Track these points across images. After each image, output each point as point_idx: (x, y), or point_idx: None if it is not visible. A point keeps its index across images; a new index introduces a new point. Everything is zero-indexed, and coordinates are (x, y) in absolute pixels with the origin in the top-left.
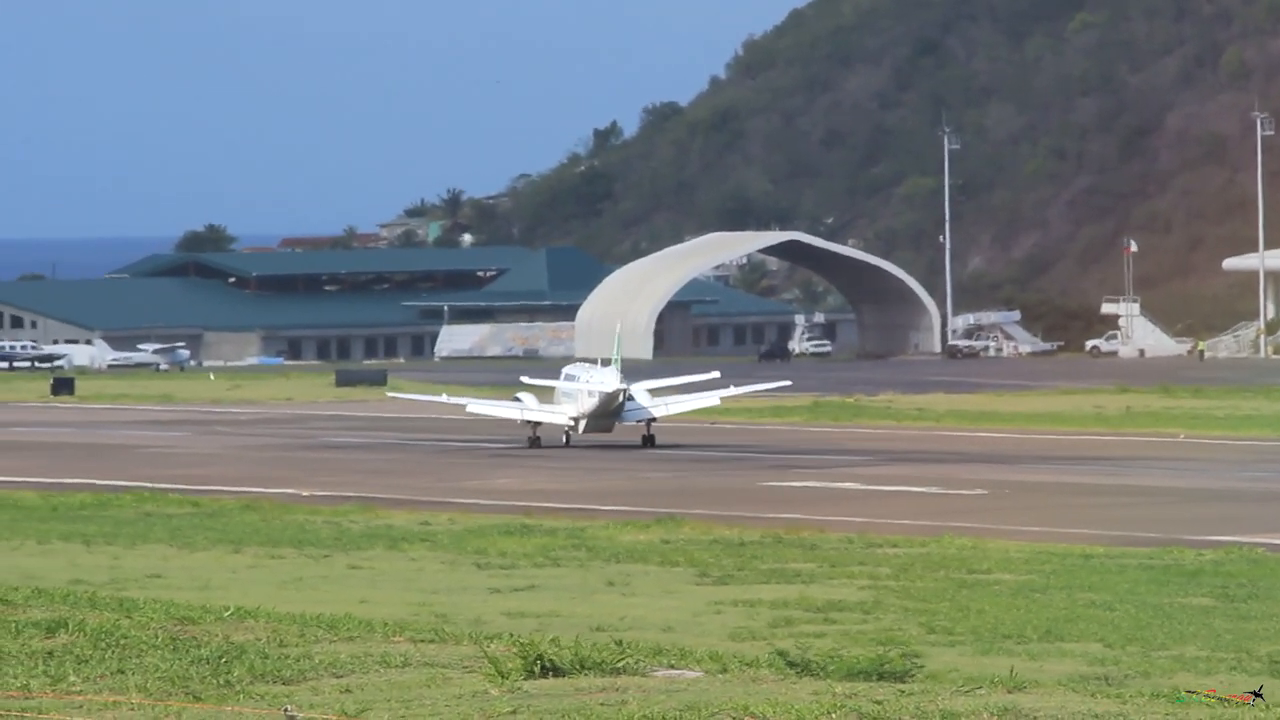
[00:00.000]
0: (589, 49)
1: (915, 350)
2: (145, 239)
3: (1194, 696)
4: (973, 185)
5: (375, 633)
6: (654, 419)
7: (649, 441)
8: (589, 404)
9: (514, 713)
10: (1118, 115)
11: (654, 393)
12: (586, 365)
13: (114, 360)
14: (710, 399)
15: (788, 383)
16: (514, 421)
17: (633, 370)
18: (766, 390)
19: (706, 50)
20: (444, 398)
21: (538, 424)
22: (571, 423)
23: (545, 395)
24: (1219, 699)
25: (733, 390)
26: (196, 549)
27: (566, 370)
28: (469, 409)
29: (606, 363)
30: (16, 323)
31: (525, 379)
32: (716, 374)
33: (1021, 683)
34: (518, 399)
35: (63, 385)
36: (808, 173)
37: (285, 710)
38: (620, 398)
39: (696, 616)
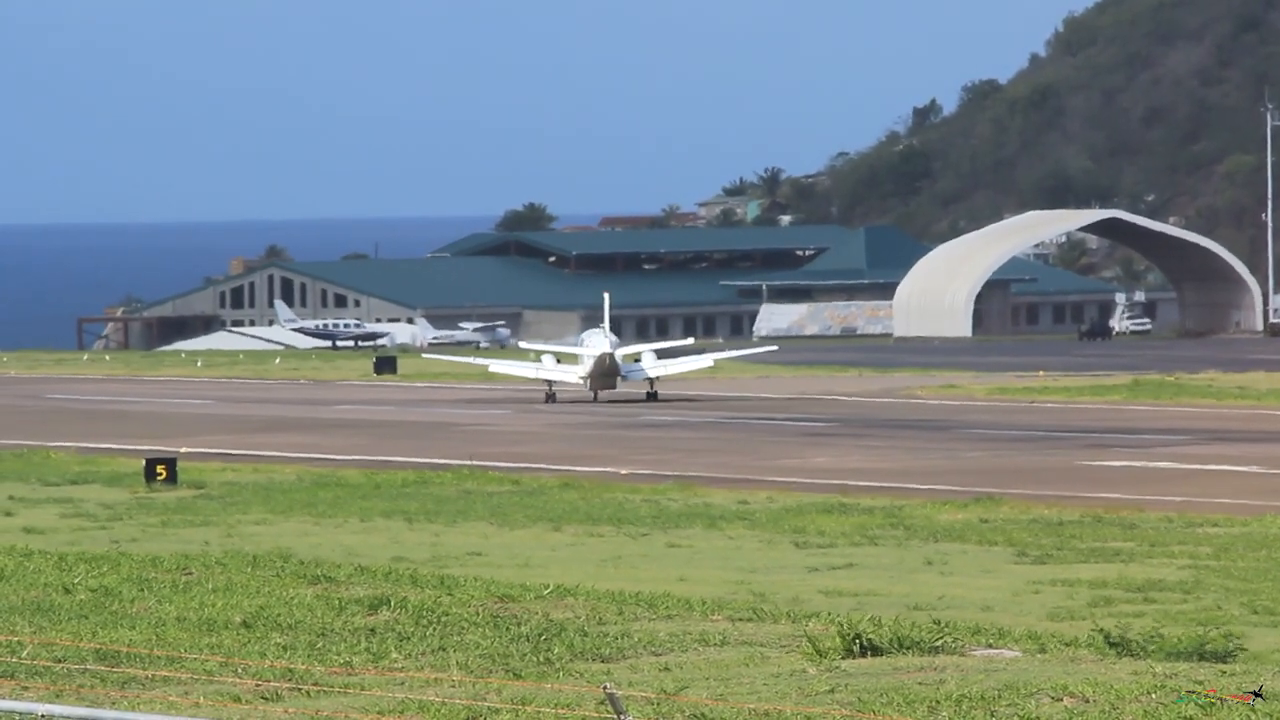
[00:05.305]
0: (909, 27)
1: (1237, 328)
2: (467, 218)
3: (1193, 697)
4: None
5: (694, 611)
6: (653, 378)
7: (652, 397)
8: (589, 365)
9: (832, 691)
10: None
11: (657, 354)
12: (594, 332)
13: (435, 339)
14: (704, 361)
15: (774, 347)
16: (534, 380)
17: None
18: (756, 355)
19: (1026, 27)
20: (471, 359)
21: (552, 382)
22: (581, 381)
23: (563, 358)
24: (1218, 699)
25: (725, 354)
26: (516, 527)
27: (581, 336)
28: (490, 368)
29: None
30: (340, 301)
31: (524, 344)
32: (690, 340)
33: None
34: (539, 360)
35: (385, 364)
36: (1128, 150)
37: (605, 688)
38: (609, 360)
39: (1015, 596)
